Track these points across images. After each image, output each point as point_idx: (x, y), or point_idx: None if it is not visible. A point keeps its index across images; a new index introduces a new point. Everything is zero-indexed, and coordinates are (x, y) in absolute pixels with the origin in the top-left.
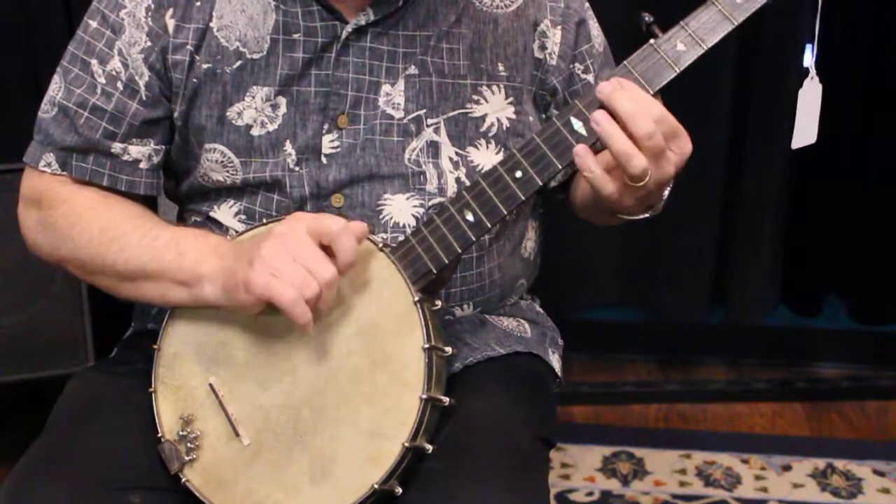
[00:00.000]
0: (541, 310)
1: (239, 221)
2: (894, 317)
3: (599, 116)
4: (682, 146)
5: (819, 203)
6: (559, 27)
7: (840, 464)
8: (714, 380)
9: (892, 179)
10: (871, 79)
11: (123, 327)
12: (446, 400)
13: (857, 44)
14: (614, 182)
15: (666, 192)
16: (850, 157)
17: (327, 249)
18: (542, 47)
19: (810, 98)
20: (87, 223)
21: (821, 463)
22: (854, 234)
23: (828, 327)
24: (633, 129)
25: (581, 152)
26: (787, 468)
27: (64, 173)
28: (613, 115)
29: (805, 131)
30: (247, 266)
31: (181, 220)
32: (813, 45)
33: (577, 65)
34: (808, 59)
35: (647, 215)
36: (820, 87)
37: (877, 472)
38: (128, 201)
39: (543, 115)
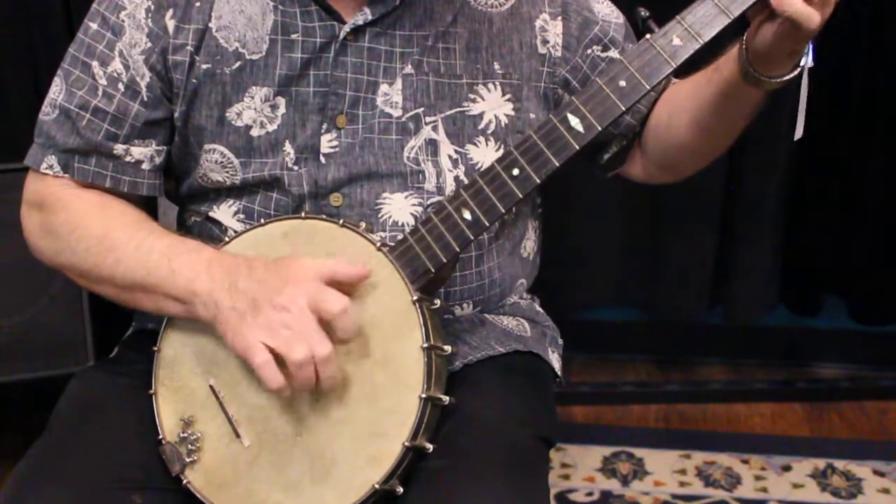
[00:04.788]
0: (540, 309)
1: (238, 221)
2: (894, 317)
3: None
4: None
5: (819, 203)
6: (559, 18)
7: (840, 464)
8: (714, 380)
9: (891, 179)
10: (872, 78)
11: (123, 327)
12: (446, 399)
13: (857, 42)
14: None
15: None
16: (849, 157)
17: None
18: (545, 41)
19: (805, 93)
20: (85, 231)
21: (821, 463)
22: (854, 233)
23: (827, 327)
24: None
25: None
26: (787, 468)
27: (66, 175)
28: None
29: (801, 125)
30: (238, 320)
31: (181, 220)
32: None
33: (594, 48)
34: (809, 54)
35: (795, 74)
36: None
37: (877, 472)
38: (126, 206)
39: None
